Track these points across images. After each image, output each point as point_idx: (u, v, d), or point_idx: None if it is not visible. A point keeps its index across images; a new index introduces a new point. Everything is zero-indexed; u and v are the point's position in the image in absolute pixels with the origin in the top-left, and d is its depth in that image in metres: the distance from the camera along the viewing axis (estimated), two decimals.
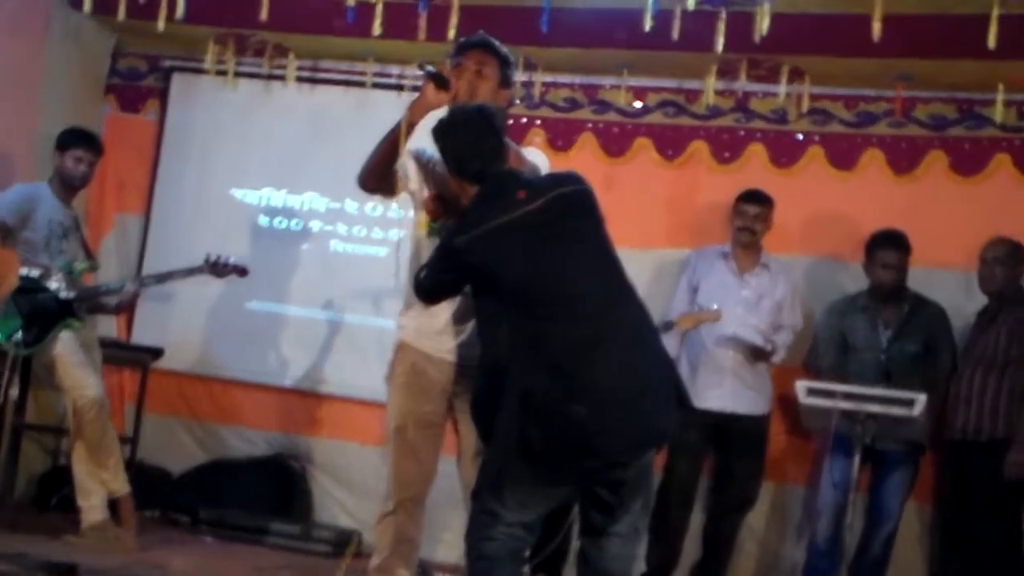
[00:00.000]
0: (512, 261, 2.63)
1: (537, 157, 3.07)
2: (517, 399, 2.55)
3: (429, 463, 3.03)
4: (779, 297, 4.46)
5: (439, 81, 2.89)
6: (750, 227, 4.43)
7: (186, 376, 5.35)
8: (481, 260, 2.66)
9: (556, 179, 2.82)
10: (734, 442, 4.38)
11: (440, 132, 2.79)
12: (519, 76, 4.84)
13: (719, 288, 4.41)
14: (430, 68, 2.92)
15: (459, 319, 2.96)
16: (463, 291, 2.85)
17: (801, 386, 3.72)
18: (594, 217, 2.74)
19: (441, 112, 2.87)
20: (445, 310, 2.97)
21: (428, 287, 2.82)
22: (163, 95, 5.53)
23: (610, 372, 2.56)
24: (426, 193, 3.01)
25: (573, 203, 2.71)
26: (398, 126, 2.91)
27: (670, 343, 4.16)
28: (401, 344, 3.06)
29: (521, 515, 2.63)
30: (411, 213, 3.13)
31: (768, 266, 4.49)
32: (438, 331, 2.99)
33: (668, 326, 4.16)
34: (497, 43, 3.02)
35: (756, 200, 4.46)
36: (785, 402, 4.40)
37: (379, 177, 3.03)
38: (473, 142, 2.74)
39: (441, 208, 2.91)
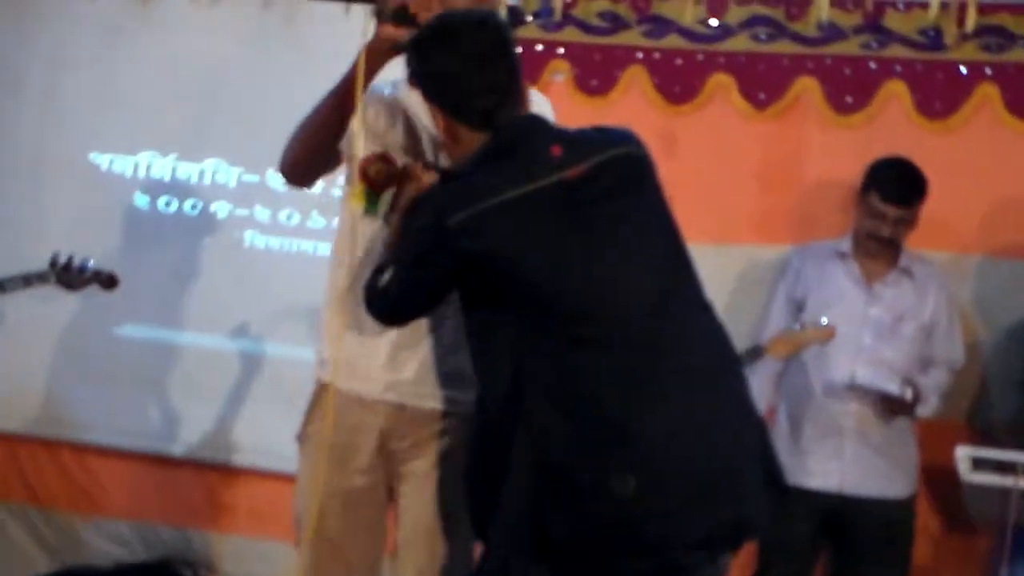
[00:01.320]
0: (535, 253, 2.64)
1: (537, 99, 3.00)
2: (531, 464, 2.57)
3: (363, 566, 3.05)
4: (928, 318, 4.46)
5: (400, 19, 2.86)
6: (888, 236, 4.38)
7: (21, 440, 5.39)
8: (486, 249, 2.64)
9: (607, 135, 2.81)
10: (860, 538, 4.41)
11: (427, 46, 2.75)
12: None
13: (836, 303, 4.41)
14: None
15: (414, 340, 2.99)
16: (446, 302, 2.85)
17: (964, 455, 3.75)
18: (656, 195, 2.76)
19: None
20: (389, 330, 2.96)
21: (396, 297, 2.77)
22: None
23: (672, 428, 2.59)
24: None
25: (630, 172, 2.73)
26: (344, 83, 2.91)
27: (760, 387, 4.12)
28: (322, 388, 3.09)
29: None
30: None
31: (911, 271, 4.48)
32: (380, 363, 3.02)
33: (756, 353, 4.20)
34: None
35: (902, 198, 4.35)
36: (938, 478, 4.42)
37: (318, 166, 3.09)
38: (482, 64, 2.70)
39: (387, 172, 2.93)
